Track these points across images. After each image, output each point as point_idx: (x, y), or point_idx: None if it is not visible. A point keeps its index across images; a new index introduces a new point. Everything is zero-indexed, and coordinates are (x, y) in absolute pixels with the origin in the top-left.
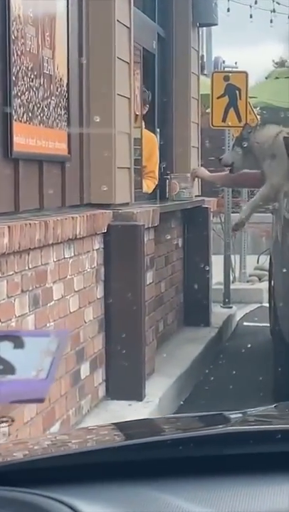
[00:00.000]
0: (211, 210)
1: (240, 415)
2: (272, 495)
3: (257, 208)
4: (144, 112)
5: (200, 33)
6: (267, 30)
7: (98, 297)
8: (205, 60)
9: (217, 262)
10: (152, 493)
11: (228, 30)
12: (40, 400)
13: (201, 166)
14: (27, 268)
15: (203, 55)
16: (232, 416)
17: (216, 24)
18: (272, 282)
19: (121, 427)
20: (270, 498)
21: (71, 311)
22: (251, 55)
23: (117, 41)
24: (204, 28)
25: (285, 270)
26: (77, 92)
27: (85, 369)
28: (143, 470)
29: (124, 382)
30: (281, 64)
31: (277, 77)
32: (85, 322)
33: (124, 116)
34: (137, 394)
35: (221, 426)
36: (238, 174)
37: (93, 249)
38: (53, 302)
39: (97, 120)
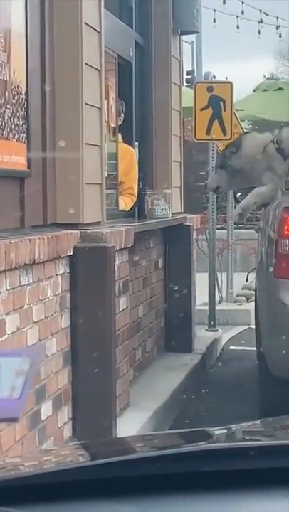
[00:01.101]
0: (195, 227)
1: (223, 431)
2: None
3: (259, 198)
4: (119, 123)
5: (181, 42)
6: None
7: (63, 327)
8: (195, 74)
9: (203, 281)
10: (124, 510)
11: (219, 44)
12: (15, 420)
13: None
14: None
15: (193, 70)
16: (215, 432)
17: (198, 32)
18: (257, 306)
19: (87, 446)
20: None
21: (29, 344)
22: (242, 70)
23: (85, 45)
24: (194, 43)
25: (268, 295)
26: (39, 100)
27: (46, 408)
28: (118, 487)
29: (93, 421)
30: (271, 78)
31: (265, 90)
32: (47, 356)
33: (95, 128)
34: (107, 433)
35: (202, 442)
36: None
37: (57, 274)
38: (6, 336)
39: (62, 132)
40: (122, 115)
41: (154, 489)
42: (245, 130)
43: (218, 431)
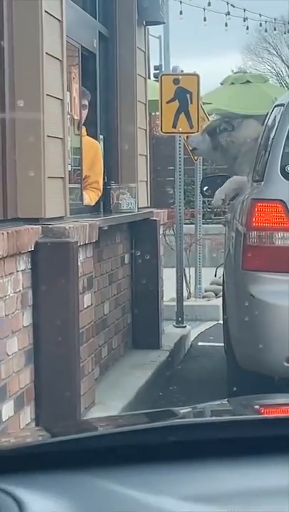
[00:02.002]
0: (162, 221)
1: (189, 409)
2: (207, 479)
3: (238, 186)
4: (85, 115)
5: (146, 33)
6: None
7: (25, 325)
8: (163, 69)
9: (171, 277)
10: (95, 482)
11: (186, 39)
12: None
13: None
14: None
15: (161, 65)
16: (180, 411)
17: (164, 22)
18: (225, 299)
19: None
20: (206, 482)
21: None
22: (211, 64)
23: (46, 35)
24: (162, 37)
25: (236, 287)
26: None
27: (7, 409)
28: (87, 460)
29: (57, 421)
30: (239, 72)
31: (232, 83)
32: (8, 355)
33: (56, 120)
34: None
35: (167, 420)
36: None
37: (17, 271)
38: None
39: (23, 124)
40: (86, 105)
41: (121, 461)
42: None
43: (184, 410)
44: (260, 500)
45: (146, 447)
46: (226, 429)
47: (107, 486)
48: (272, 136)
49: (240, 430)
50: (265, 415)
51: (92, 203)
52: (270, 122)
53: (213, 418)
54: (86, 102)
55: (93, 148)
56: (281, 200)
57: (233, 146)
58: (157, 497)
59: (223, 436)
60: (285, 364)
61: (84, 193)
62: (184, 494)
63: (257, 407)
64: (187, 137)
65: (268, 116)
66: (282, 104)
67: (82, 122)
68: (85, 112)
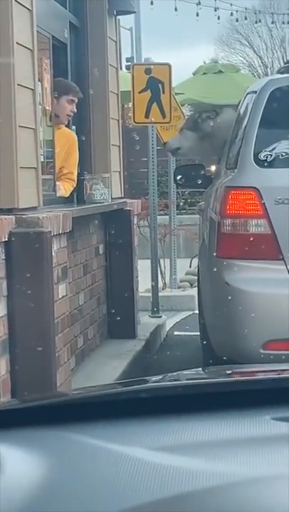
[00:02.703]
0: (136, 212)
1: (160, 377)
2: (180, 431)
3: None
4: (73, 110)
5: (117, 23)
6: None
7: (0, 315)
8: (135, 61)
9: (146, 268)
10: (71, 436)
11: (158, 31)
12: None
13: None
14: None
15: (132, 57)
16: (153, 378)
17: (134, 12)
18: (200, 288)
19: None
20: (179, 434)
21: None
22: (183, 56)
23: (16, 24)
24: (133, 29)
25: (211, 275)
26: None
27: None
28: (63, 417)
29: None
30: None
31: (205, 73)
32: None
33: (28, 110)
34: None
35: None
36: None
37: None
38: None
39: None
40: (75, 101)
41: (96, 416)
42: (184, 114)
43: (156, 377)
44: (232, 449)
45: (120, 405)
46: (197, 387)
47: (82, 440)
48: (244, 123)
49: (210, 388)
50: (232, 376)
51: (67, 194)
52: (242, 110)
53: (184, 381)
54: (75, 98)
55: (69, 140)
56: (255, 188)
57: (220, 131)
58: (131, 448)
59: (194, 392)
60: (261, 351)
61: (58, 183)
62: (158, 445)
63: (227, 371)
64: (165, 143)
65: (241, 103)
66: (254, 92)
67: (71, 116)
68: (72, 107)
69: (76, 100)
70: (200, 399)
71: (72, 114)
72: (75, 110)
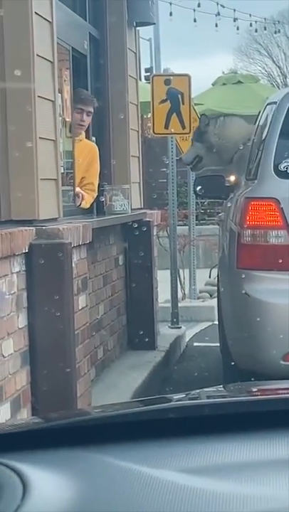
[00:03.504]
0: (155, 223)
1: (183, 395)
2: (206, 453)
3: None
4: (89, 122)
5: (137, 34)
6: (215, 37)
7: (20, 327)
8: (154, 72)
9: (165, 278)
10: (96, 457)
11: (177, 41)
12: None
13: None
14: None
15: (151, 67)
16: (174, 396)
17: (154, 23)
18: (220, 299)
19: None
20: (206, 456)
21: None
22: (202, 67)
23: (36, 36)
24: (152, 40)
25: (231, 286)
26: None
27: (4, 411)
28: (88, 438)
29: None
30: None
31: (224, 84)
32: (4, 356)
33: (48, 122)
34: None
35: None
36: None
37: (12, 273)
38: None
39: (14, 127)
40: (91, 112)
41: (123, 438)
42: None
43: (177, 395)
44: (258, 471)
45: (144, 425)
46: (223, 407)
47: (107, 461)
48: (264, 134)
49: (236, 408)
50: (259, 395)
51: (88, 205)
52: (262, 121)
53: (209, 400)
54: (91, 109)
55: (92, 151)
56: (275, 199)
57: (226, 139)
58: (158, 470)
59: (220, 413)
60: (282, 362)
61: (80, 194)
62: (184, 467)
63: (251, 389)
64: (180, 158)
65: (260, 114)
66: (274, 102)
67: (86, 127)
68: (89, 119)
69: (86, 109)
70: (226, 419)
71: (82, 123)
72: (84, 120)
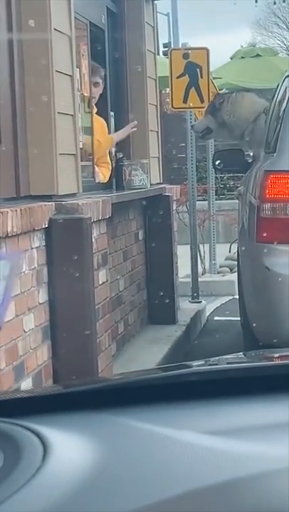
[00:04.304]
0: (174, 198)
1: (202, 362)
2: (225, 415)
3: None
4: (100, 92)
5: (155, 8)
6: (233, 11)
7: (41, 302)
8: (172, 46)
9: (185, 253)
10: (116, 419)
11: (195, 16)
12: None
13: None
14: None
15: (170, 42)
16: (195, 363)
17: None
18: (240, 273)
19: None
20: (224, 419)
21: (5, 320)
22: (220, 41)
23: (54, 11)
24: (170, 15)
25: (251, 260)
26: (7, 65)
27: (26, 386)
28: (108, 400)
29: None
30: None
31: (242, 57)
32: (25, 331)
33: (66, 96)
34: None
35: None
36: None
37: (32, 248)
38: None
39: (33, 100)
40: (99, 83)
41: (143, 400)
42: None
43: (198, 362)
44: (280, 432)
45: (165, 389)
46: (243, 371)
47: (128, 423)
48: (283, 106)
49: (256, 371)
50: (279, 359)
51: (106, 180)
52: (280, 93)
53: (229, 365)
54: (99, 80)
55: (100, 126)
56: None
57: (233, 121)
58: (178, 432)
59: (240, 376)
60: None
61: (97, 170)
62: (205, 429)
63: (271, 355)
64: (192, 126)
65: (279, 87)
66: None
67: (95, 100)
68: (97, 90)
69: (100, 83)
70: (247, 382)
71: (97, 96)
72: (93, 92)
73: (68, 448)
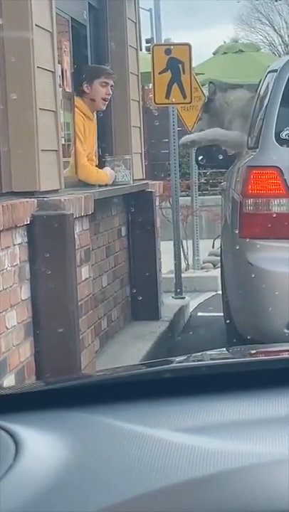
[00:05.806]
0: (158, 193)
1: (184, 357)
2: (204, 412)
3: (213, 138)
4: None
5: (137, 3)
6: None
7: (23, 298)
8: (154, 42)
9: (168, 249)
10: (92, 417)
11: (178, 12)
12: None
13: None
14: None
15: (152, 38)
16: (177, 358)
17: None
18: (223, 269)
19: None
20: (203, 415)
21: None
22: (203, 37)
23: (35, 7)
24: (152, 10)
25: (234, 255)
26: None
27: (9, 382)
28: (84, 398)
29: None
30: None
31: (225, 53)
32: (7, 328)
33: (48, 93)
34: None
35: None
36: None
37: (14, 244)
38: None
39: (14, 97)
40: (112, 84)
41: (116, 397)
42: (205, 94)
43: (180, 357)
44: (258, 429)
45: (141, 386)
46: (220, 367)
47: (102, 421)
48: (265, 102)
49: (233, 367)
50: (257, 355)
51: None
52: (263, 89)
53: (207, 361)
54: (109, 80)
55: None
56: (276, 167)
57: (226, 107)
58: (153, 429)
59: (218, 372)
60: (286, 331)
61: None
62: (180, 426)
63: (251, 351)
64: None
65: (261, 82)
66: (275, 70)
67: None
68: (107, 89)
69: (110, 82)
70: (224, 379)
71: (107, 97)
72: (111, 92)
73: (41, 446)
